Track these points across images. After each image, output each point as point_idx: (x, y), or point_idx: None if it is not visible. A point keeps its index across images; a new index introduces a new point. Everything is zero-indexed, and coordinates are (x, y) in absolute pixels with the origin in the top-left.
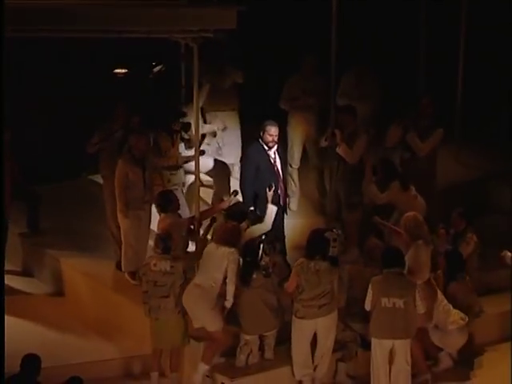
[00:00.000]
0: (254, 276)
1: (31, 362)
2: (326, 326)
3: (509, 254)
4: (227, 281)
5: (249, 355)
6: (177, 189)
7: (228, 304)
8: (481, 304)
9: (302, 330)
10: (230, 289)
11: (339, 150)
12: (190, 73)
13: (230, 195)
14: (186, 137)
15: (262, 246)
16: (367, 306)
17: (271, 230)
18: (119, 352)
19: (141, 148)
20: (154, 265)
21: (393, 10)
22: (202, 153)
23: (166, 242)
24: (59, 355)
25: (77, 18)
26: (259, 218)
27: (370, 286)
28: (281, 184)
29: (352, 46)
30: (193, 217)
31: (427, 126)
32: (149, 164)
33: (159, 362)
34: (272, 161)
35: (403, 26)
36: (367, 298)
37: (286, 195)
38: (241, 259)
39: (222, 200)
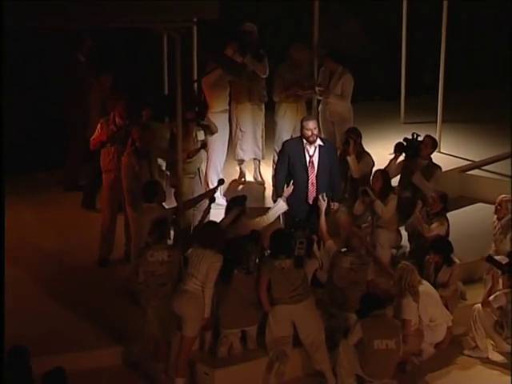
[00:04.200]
0: (235, 272)
1: (19, 354)
2: (301, 314)
3: None
4: (203, 289)
5: (230, 347)
6: (193, 177)
7: (206, 315)
8: (464, 290)
9: (275, 316)
10: (207, 300)
11: (349, 159)
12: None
13: (218, 183)
14: (205, 123)
15: (244, 243)
16: (351, 341)
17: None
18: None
19: (144, 141)
20: (151, 255)
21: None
22: (204, 145)
23: (162, 229)
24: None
25: (57, 9)
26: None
27: (358, 326)
28: (313, 180)
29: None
30: (176, 207)
31: (427, 165)
32: (154, 156)
33: (154, 350)
34: (308, 156)
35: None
36: (353, 334)
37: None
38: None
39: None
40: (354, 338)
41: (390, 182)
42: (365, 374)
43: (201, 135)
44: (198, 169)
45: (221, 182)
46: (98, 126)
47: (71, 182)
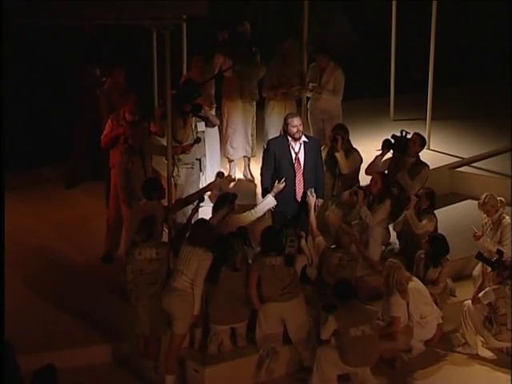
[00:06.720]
0: (223, 270)
1: (4, 349)
2: (291, 312)
3: None
4: (193, 287)
5: (220, 344)
6: (191, 167)
7: (195, 312)
8: (453, 287)
9: (265, 314)
10: (196, 298)
11: (338, 155)
12: None
13: (216, 177)
14: (203, 115)
15: (230, 240)
16: (324, 336)
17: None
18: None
19: (136, 138)
20: (139, 254)
21: None
22: (198, 140)
23: (150, 227)
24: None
25: (45, 5)
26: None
27: (331, 318)
28: (300, 177)
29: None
30: (169, 205)
31: (414, 162)
32: (147, 154)
33: (145, 348)
34: (293, 153)
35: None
36: (326, 328)
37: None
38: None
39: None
40: (329, 331)
41: (388, 186)
42: (346, 364)
43: (201, 126)
44: (200, 160)
45: (220, 175)
46: (109, 122)
47: (73, 179)
